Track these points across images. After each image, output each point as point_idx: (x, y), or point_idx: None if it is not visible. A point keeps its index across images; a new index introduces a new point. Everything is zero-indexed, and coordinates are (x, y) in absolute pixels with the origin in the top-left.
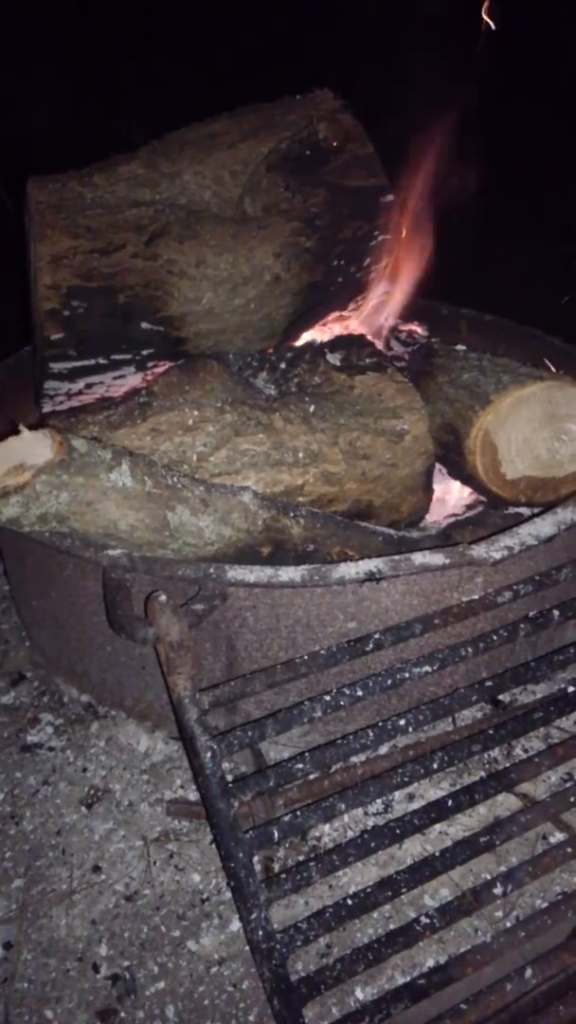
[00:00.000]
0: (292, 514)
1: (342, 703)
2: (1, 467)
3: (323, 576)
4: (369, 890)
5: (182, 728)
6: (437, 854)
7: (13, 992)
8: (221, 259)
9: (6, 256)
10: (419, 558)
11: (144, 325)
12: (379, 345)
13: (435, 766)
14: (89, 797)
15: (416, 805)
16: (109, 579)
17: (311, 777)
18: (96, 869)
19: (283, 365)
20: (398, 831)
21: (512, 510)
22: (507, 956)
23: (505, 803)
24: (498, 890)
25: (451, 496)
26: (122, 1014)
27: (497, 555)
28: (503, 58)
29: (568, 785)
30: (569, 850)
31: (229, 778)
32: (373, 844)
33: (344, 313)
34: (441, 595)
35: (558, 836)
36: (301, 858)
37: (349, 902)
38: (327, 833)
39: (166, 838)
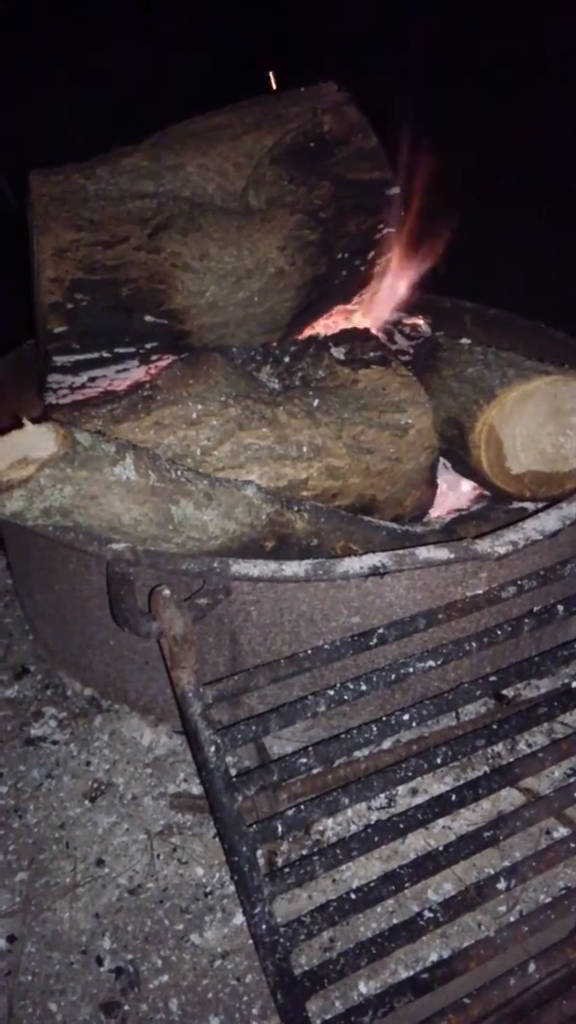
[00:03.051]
0: (296, 508)
1: (346, 698)
2: (5, 461)
3: (327, 570)
4: (372, 884)
5: (186, 722)
6: (440, 849)
7: (17, 985)
8: (225, 252)
9: (9, 249)
10: (423, 553)
11: (147, 318)
12: (383, 339)
13: (438, 761)
14: (93, 791)
15: (419, 800)
16: (113, 573)
17: (314, 771)
18: (100, 863)
19: (287, 359)
20: (401, 826)
21: (516, 505)
22: (510, 951)
23: (508, 798)
24: (501, 885)
25: (455, 491)
26: (125, 1007)
27: (501, 550)
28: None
29: (572, 780)
30: (572, 845)
31: (233, 772)
32: (376, 838)
33: (348, 307)
34: (445, 590)
35: (561, 831)
36: (304, 852)
37: (352, 896)
38: (330, 827)
39: (170, 832)
